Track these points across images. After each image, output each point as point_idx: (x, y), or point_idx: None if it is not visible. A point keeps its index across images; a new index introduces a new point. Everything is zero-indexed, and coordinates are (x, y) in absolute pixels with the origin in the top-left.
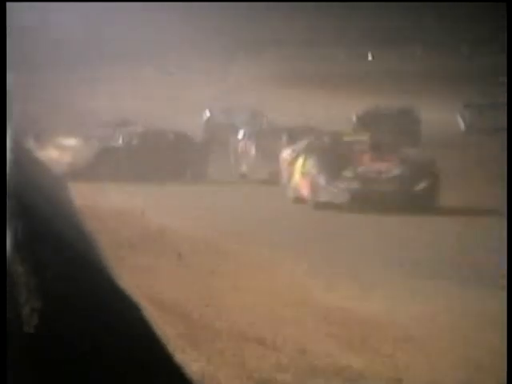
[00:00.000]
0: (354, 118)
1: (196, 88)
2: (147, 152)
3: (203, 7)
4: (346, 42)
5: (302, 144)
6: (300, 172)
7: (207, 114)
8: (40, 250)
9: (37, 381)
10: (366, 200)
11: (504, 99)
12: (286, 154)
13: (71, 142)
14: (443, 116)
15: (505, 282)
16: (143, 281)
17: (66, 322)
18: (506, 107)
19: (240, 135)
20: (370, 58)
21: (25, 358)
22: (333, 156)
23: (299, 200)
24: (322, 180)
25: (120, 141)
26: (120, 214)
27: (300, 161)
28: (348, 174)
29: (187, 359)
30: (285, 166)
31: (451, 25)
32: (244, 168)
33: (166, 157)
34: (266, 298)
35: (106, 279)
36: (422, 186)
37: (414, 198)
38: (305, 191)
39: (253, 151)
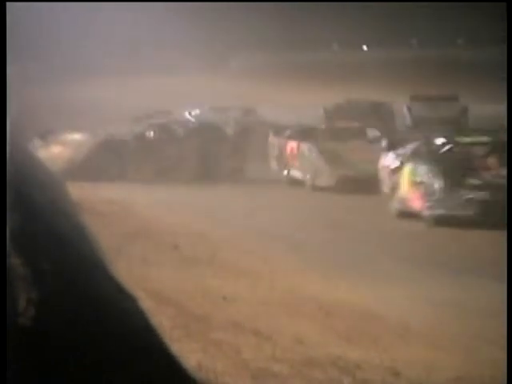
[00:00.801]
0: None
1: (192, 85)
2: (160, 146)
3: (199, 5)
4: (340, 33)
5: (407, 149)
6: (409, 181)
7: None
8: (36, 242)
9: (35, 372)
10: (497, 211)
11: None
12: (387, 160)
13: (76, 136)
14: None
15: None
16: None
17: (62, 313)
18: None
19: (287, 134)
20: (364, 49)
21: (23, 350)
22: (451, 160)
23: (407, 213)
24: (440, 189)
25: (131, 135)
26: (118, 207)
27: (408, 168)
28: (474, 181)
29: (183, 350)
30: (386, 175)
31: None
32: (296, 172)
33: (186, 150)
34: (263, 291)
35: (102, 271)
36: None
37: None
38: (416, 203)
39: (314, 154)
